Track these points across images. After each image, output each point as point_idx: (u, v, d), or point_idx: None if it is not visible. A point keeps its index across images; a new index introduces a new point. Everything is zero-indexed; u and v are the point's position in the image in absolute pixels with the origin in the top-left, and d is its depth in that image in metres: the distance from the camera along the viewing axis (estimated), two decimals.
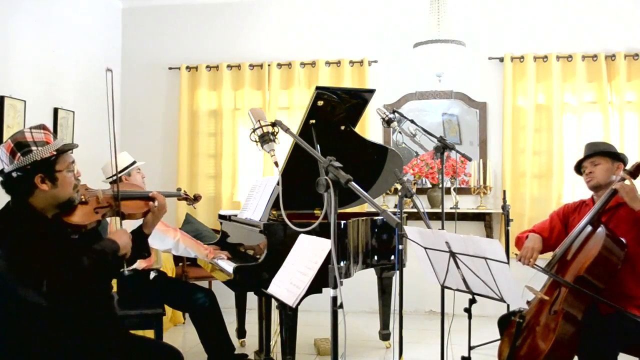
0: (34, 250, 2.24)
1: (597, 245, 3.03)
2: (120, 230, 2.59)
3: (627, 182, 3.13)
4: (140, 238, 2.80)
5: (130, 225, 3.50)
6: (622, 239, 3.07)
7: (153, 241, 3.85)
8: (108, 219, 3.82)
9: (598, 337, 2.91)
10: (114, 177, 3.90)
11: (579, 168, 3.44)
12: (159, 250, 4.06)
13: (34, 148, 2.33)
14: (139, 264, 3.93)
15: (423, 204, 4.08)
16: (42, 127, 2.41)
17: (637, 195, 3.07)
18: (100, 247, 2.46)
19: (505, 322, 3.27)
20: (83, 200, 2.53)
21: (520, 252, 3.35)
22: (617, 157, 3.32)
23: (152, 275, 4.05)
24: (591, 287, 3.00)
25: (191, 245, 4.01)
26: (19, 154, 2.31)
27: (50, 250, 2.29)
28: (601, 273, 3.00)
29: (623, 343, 2.97)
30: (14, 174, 2.32)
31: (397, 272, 3.38)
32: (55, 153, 2.37)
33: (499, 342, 3.22)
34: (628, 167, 3.23)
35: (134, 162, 4.12)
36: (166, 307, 4.16)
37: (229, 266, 3.75)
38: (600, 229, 3.10)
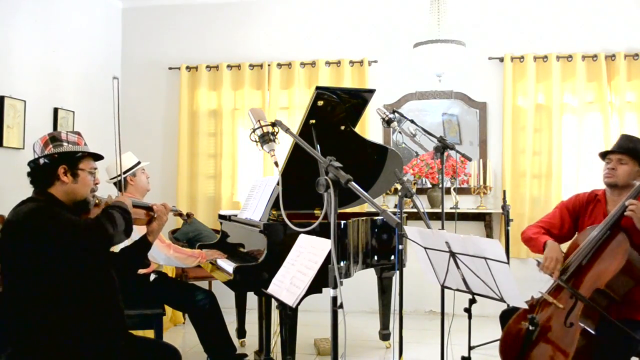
0: (61, 214, 2.45)
1: (620, 257, 2.92)
2: (120, 196, 2.77)
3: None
4: (144, 246, 2.85)
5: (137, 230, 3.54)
6: None
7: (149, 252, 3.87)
8: None
9: (610, 347, 2.87)
10: (118, 178, 3.97)
11: (604, 155, 3.29)
12: (153, 261, 4.08)
13: (65, 144, 2.58)
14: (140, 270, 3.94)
15: (423, 204, 4.08)
16: (77, 133, 2.67)
17: None
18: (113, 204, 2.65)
19: (508, 318, 3.24)
20: (96, 202, 2.71)
21: (543, 262, 3.17)
22: None
23: (152, 277, 4.05)
24: (607, 299, 2.92)
25: (183, 260, 4.05)
26: (50, 145, 2.55)
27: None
28: (622, 286, 2.91)
29: (635, 351, 2.91)
30: (41, 161, 2.54)
31: (397, 272, 3.38)
32: (81, 152, 2.61)
33: (499, 341, 3.20)
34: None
35: (138, 163, 4.13)
36: (166, 307, 4.16)
37: (229, 266, 3.75)
38: (623, 239, 2.98)
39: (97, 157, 2.70)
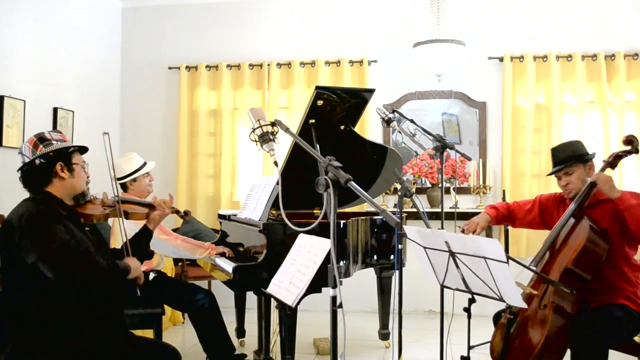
0: (56, 231, 2.43)
1: (581, 236, 3.07)
2: (133, 258, 2.77)
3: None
4: (146, 235, 2.89)
5: (133, 226, 3.55)
6: (605, 228, 3.12)
7: (156, 247, 3.88)
8: (110, 221, 3.86)
9: (588, 330, 2.94)
10: (119, 182, 4.00)
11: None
12: (162, 255, 4.09)
13: (54, 142, 2.62)
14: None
15: (422, 203, 4.08)
16: (58, 131, 2.75)
17: (614, 185, 3.11)
18: (114, 262, 2.65)
19: (500, 318, 3.30)
20: (91, 199, 2.77)
21: (466, 224, 3.51)
22: (586, 159, 3.30)
23: (152, 276, 4.04)
24: (578, 279, 3.04)
25: (192, 250, 4.06)
26: (41, 146, 2.59)
27: (71, 233, 2.49)
28: (587, 264, 3.05)
29: (613, 335, 2.99)
30: (37, 161, 2.57)
31: (397, 271, 3.37)
32: (72, 147, 2.67)
33: (489, 342, 3.24)
34: (605, 158, 3.28)
35: (143, 165, 4.11)
36: (166, 306, 4.16)
37: (228, 266, 3.75)
38: (584, 221, 3.13)
39: (83, 151, 2.76)
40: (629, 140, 3.25)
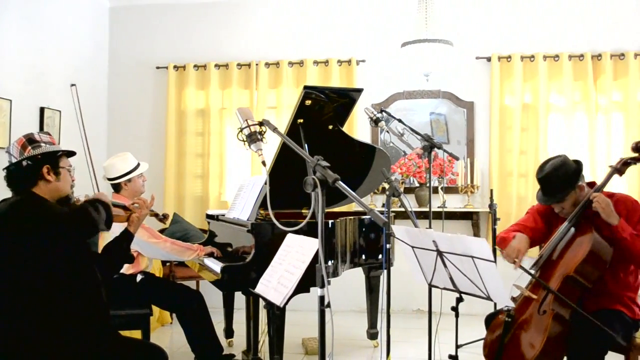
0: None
1: (586, 244, 3.03)
2: (98, 193, 2.89)
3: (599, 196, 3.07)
4: (126, 237, 2.91)
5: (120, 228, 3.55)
6: (608, 236, 3.07)
7: (145, 251, 3.87)
8: None
9: (585, 336, 2.92)
10: (113, 182, 3.97)
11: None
12: (151, 257, 4.08)
13: (43, 144, 2.64)
14: (126, 269, 3.89)
15: (411, 203, 4.08)
16: (47, 133, 2.76)
17: (612, 210, 3.03)
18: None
19: (492, 320, 3.28)
20: (75, 201, 2.76)
21: (506, 251, 3.23)
22: (576, 182, 3.19)
23: (139, 277, 4.02)
24: (579, 287, 3.01)
25: (181, 252, 4.05)
26: (29, 147, 2.61)
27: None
28: (590, 272, 3.01)
29: (610, 341, 2.98)
30: (24, 163, 2.58)
31: (385, 271, 3.38)
32: (60, 151, 2.69)
33: (483, 342, 3.23)
34: (614, 163, 3.20)
35: (137, 166, 4.09)
36: (154, 307, 4.14)
37: (216, 266, 3.74)
38: (588, 228, 3.09)
39: (70, 155, 2.78)
40: (638, 147, 3.16)
